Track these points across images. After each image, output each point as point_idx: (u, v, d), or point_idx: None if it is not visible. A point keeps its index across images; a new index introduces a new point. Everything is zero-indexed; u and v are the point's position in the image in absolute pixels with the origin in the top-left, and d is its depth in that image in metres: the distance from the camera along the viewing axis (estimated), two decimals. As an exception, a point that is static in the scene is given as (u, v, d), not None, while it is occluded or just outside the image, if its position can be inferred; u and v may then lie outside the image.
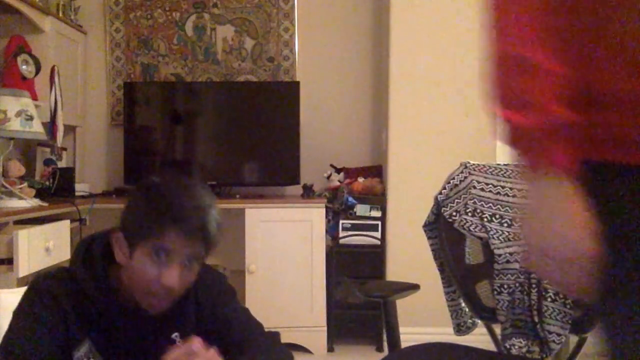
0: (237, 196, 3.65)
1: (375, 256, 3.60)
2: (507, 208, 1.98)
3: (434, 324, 3.15)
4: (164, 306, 1.23)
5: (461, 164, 2.10)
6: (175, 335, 1.28)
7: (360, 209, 3.59)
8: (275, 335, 1.40)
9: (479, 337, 2.15)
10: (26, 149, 3.50)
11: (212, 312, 1.33)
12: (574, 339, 1.96)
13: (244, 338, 1.33)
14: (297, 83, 3.83)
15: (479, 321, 2.11)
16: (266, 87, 3.91)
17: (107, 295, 1.24)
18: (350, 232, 3.56)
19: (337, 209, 3.61)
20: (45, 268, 2.72)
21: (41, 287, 1.24)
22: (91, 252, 1.28)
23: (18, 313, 1.23)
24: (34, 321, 1.20)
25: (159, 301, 1.22)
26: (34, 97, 3.12)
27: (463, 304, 2.13)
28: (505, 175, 2.06)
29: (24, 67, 3.15)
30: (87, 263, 1.26)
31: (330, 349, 3.51)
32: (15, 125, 2.78)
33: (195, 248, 1.20)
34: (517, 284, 1.89)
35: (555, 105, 0.89)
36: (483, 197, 2.00)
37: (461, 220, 1.98)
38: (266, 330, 1.40)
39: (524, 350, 1.87)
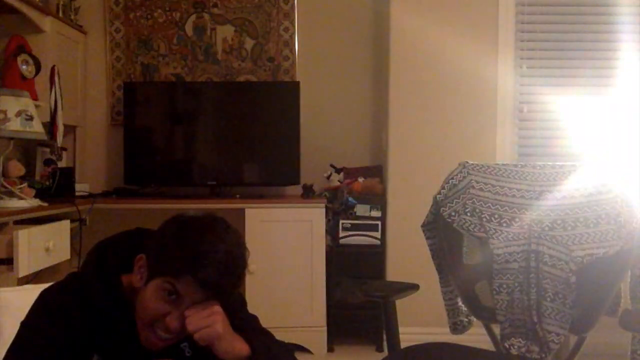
0: (237, 196, 3.65)
1: (375, 256, 3.60)
2: (506, 208, 1.98)
3: (434, 324, 3.14)
4: (160, 346, 1.20)
5: (460, 164, 2.10)
6: (184, 345, 1.27)
7: (360, 209, 3.59)
8: (285, 344, 1.39)
9: (479, 337, 2.15)
10: (26, 149, 3.50)
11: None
12: (573, 339, 1.96)
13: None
14: (297, 83, 3.83)
15: (475, 320, 2.11)
16: (266, 87, 3.91)
17: (119, 307, 1.22)
18: (350, 232, 3.56)
19: (337, 209, 3.61)
20: (45, 268, 2.72)
21: (50, 300, 1.21)
22: (105, 260, 1.26)
23: (26, 327, 1.21)
24: (41, 338, 1.17)
25: (156, 339, 1.19)
26: (34, 97, 3.12)
27: (460, 303, 2.13)
28: (504, 175, 2.06)
29: (24, 67, 3.15)
30: (101, 272, 1.24)
31: (330, 349, 3.51)
32: (15, 125, 2.78)
33: (210, 301, 1.18)
34: (516, 284, 1.89)
35: None
36: (482, 197, 2.00)
37: (460, 220, 1.98)
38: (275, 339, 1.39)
39: (523, 350, 1.87)
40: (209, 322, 1.16)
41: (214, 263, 1.16)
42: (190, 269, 1.15)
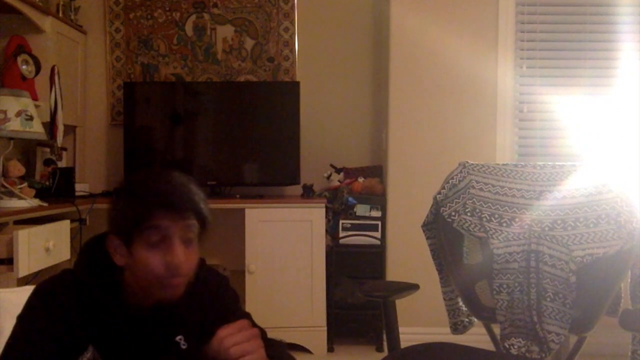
0: (237, 196, 3.66)
1: (375, 256, 3.60)
2: (506, 208, 1.98)
3: (434, 324, 3.15)
4: (179, 291, 1.21)
5: (460, 164, 2.10)
6: (179, 337, 1.27)
7: (360, 209, 3.59)
8: (279, 342, 1.40)
9: (479, 337, 2.15)
10: (26, 149, 3.50)
11: (216, 317, 1.30)
12: (573, 339, 1.96)
13: None
14: (297, 83, 3.83)
15: (476, 320, 2.11)
16: (266, 87, 3.91)
17: (113, 298, 1.23)
18: (350, 232, 3.56)
19: (337, 209, 3.61)
20: (45, 268, 2.72)
21: (46, 293, 1.22)
22: (96, 254, 1.26)
23: (21, 320, 1.22)
24: (37, 331, 1.18)
25: (172, 288, 1.20)
26: (34, 97, 3.12)
27: (460, 304, 2.13)
28: (504, 175, 2.06)
29: (24, 67, 3.15)
30: (92, 266, 1.25)
31: (330, 349, 3.51)
32: (15, 125, 2.78)
33: (188, 221, 1.20)
34: (516, 284, 1.90)
35: None
36: (482, 196, 2.00)
37: (460, 220, 1.98)
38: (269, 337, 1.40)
39: (523, 349, 1.87)
40: (252, 347, 1.16)
41: (175, 188, 1.20)
42: (157, 202, 1.18)
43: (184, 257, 1.18)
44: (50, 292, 1.23)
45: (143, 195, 1.20)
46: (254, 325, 1.40)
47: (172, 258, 1.17)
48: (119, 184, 1.27)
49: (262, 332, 1.39)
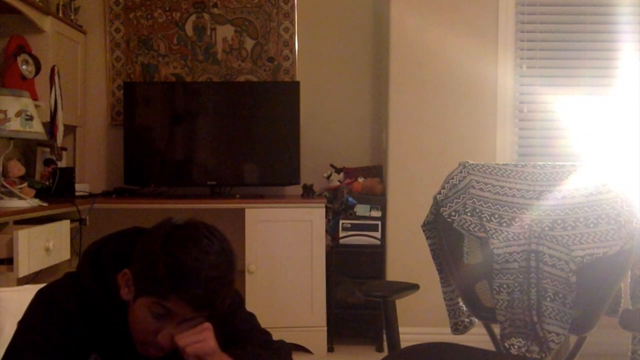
0: (237, 196, 3.65)
1: (375, 256, 3.60)
2: (507, 208, 1.99)
3: (434, 324, 3.15)
4: (155, 356, 1.20)
5: (460, 164, 2.10)
6: None
7: (360, 209, 3.59)
8: (281, 344, 1.39)
9: (479, 337, 2.15)
10: (26, 149, 3.50)
11: (220, 321, 1.28)
12: (573, 339, 1.96)
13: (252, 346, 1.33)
14: (297, 83, 3.83)
15: (476, 320, 2.11)
16: (266, 87, 3.91)
17: (115, 306, 1.21)
18: (350, 232, 3.56)
19: (337, 209, 3.61)
20: (45, 268, 2.73)
21: (48, 299, 1.21)
22: (101, 259, 1.25)
23: (23, 326, 1.20)
24: (38, 337, 1.17)
25: (152, 350, 1.19)
26: (34, 97, 3.12)
27: (461, 304, 2.13)
28: (504, 175, 2.06)
29: (24, 67, 3.15)
30: (97, 271, 1.24)
31: (330, 349, 3.51)
32: (15, 125, 2.78)
33: (197, 316, 1.18)
34: (516, 284, 1.90)
35: None
36: (482, 196, 2.00)
37: (460, 220, 1.98)
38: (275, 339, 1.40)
39: (523, 349, 1.87)
40: (200, 337, 1.16)
41: (200, 281, 1.14)
42: (177, 290, 1.13)
43: (170, 344, 1.17)
44: (52, 298, 1.21)
45: (173, 274, 1.13)
46: (259, 326, 1.40)
47: (161, 339, 1.17)
48: (163, 229, 1.19)
49: (267, 335, 1.39)
